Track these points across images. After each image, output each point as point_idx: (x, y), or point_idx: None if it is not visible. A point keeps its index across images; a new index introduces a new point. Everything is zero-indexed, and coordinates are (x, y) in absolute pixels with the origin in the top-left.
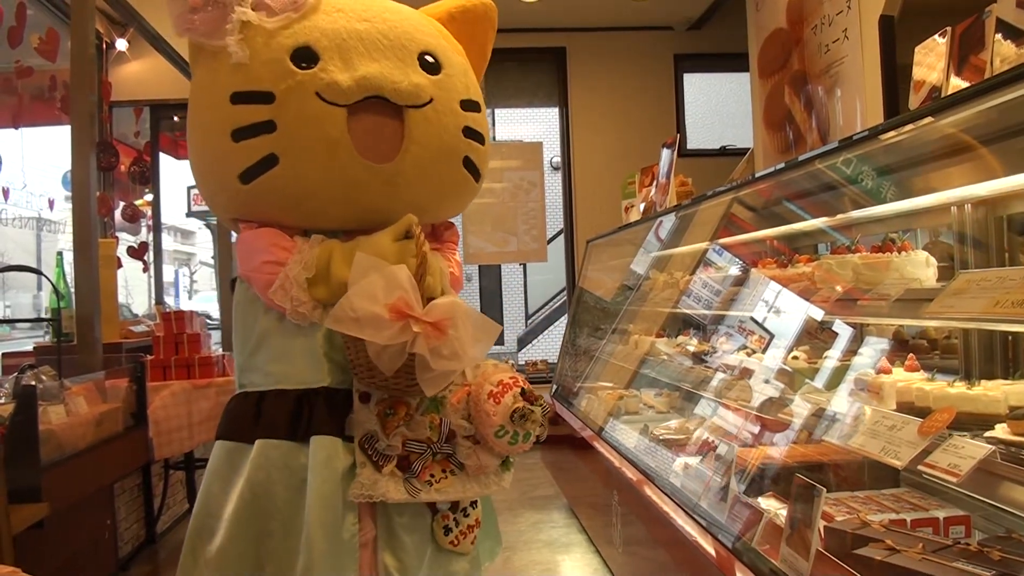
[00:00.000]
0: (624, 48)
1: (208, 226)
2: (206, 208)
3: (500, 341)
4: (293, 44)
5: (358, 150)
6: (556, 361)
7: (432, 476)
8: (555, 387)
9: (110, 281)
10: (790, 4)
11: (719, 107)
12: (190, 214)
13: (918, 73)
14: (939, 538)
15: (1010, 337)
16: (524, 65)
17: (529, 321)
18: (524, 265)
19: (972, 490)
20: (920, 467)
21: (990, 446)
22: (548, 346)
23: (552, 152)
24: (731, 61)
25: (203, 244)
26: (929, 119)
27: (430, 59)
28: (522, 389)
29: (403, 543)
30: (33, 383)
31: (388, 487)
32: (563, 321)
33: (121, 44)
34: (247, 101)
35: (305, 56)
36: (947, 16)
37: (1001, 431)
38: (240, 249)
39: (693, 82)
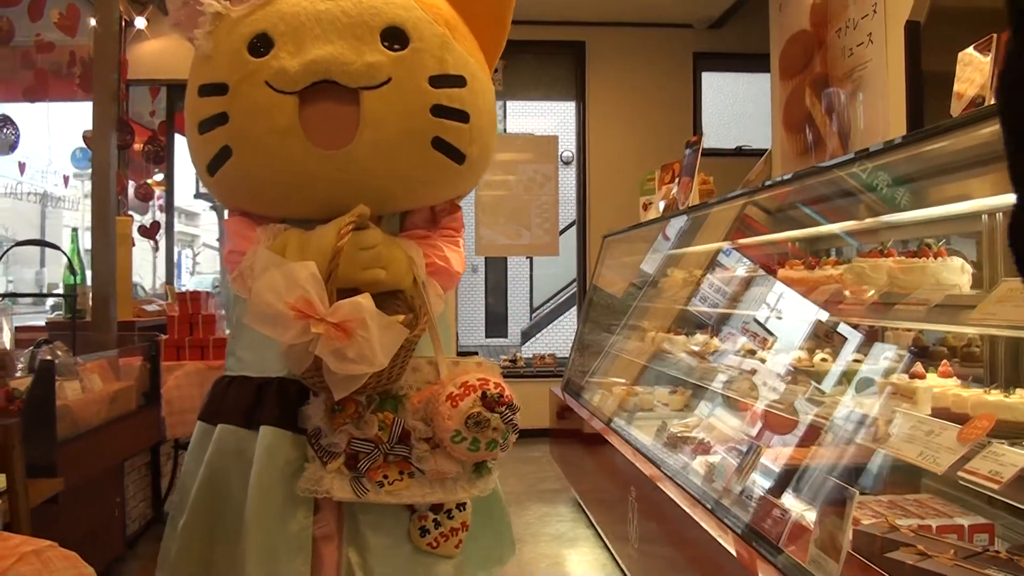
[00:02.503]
0: (643, 44)
1: (213, 208)
2: None
3: (504, 334)
4: (251, 32)
5: (309, 138)
6: (564, 355)
7: (385, 477)
8: (566, 381)
9: (125, 259)
10: (814, 6)
11: (734, 107)
12: (198, 195)
13: (961, 80)
14: (969, 545)
15: None
16: (542, 58)
17: (534, 315)
18: (531, 259)
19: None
20: (960, 473)
21: None
22: (552, 339)
23: (563, 146)
24: (750, 61)
25: (207, 226)
26: (958, 130)
27: (397, 33)
28: (484, 393)
29: (367, 541)
30: (50, 358)
31: (333, 484)
32: (569, 315)
33: (140, 22)
34: (208, 93)
35: (262, 44)
36: (975, 24)
37: None
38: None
39: (709, 81)
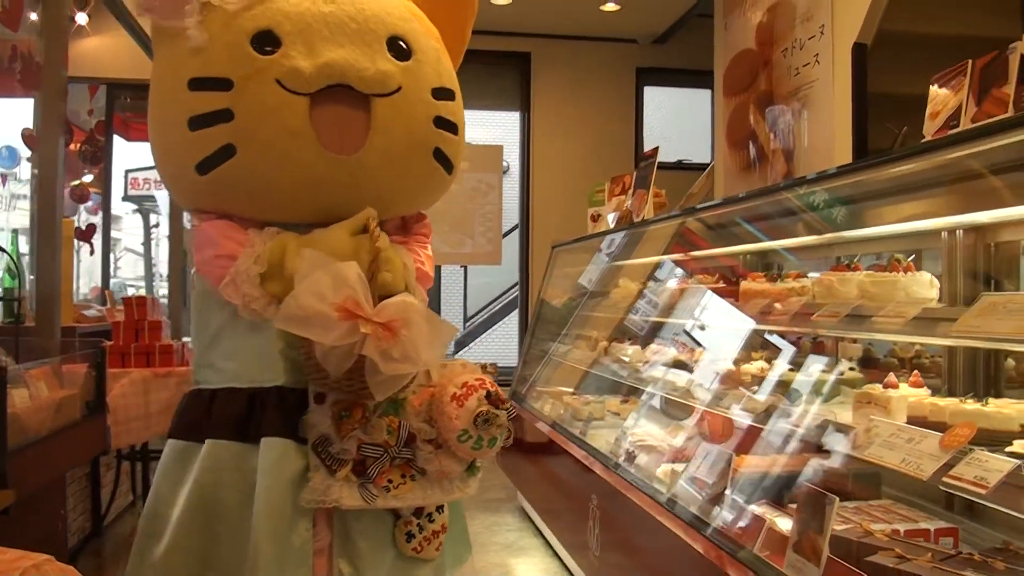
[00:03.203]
0: (588, 58)
1: (140, 211)
2: (143, 193)
3: None
4: (254, 27)
5: (320, 141)
6: (504, 364)
7: (390, 481)
8: (513, 390)
9: (67, 263)
10: (760, 25)
11: (674, 121)
12: (126, 198)
13: (934, 103)
14: (943, 548)
15: (991, 357)
16: (489, 68)
17: (468, 323)
18: (465, 267)
19: (959, 504)
20: (945, 479)
21: (1015, 460)
22: (487, 348)
23: (507, 156)
24: (693, 77)
25: (130, 230)
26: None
27: (400, 44)
28: (487, 392)
29: (359, 549)
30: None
31: (342, 493)
32: (505, 323)
33: (81, 18)
34: (204, 88)
35: (267, 40)
36: (921, 47)
37: (1020, 447)
38: (195, 241)
39: (650, 95)
